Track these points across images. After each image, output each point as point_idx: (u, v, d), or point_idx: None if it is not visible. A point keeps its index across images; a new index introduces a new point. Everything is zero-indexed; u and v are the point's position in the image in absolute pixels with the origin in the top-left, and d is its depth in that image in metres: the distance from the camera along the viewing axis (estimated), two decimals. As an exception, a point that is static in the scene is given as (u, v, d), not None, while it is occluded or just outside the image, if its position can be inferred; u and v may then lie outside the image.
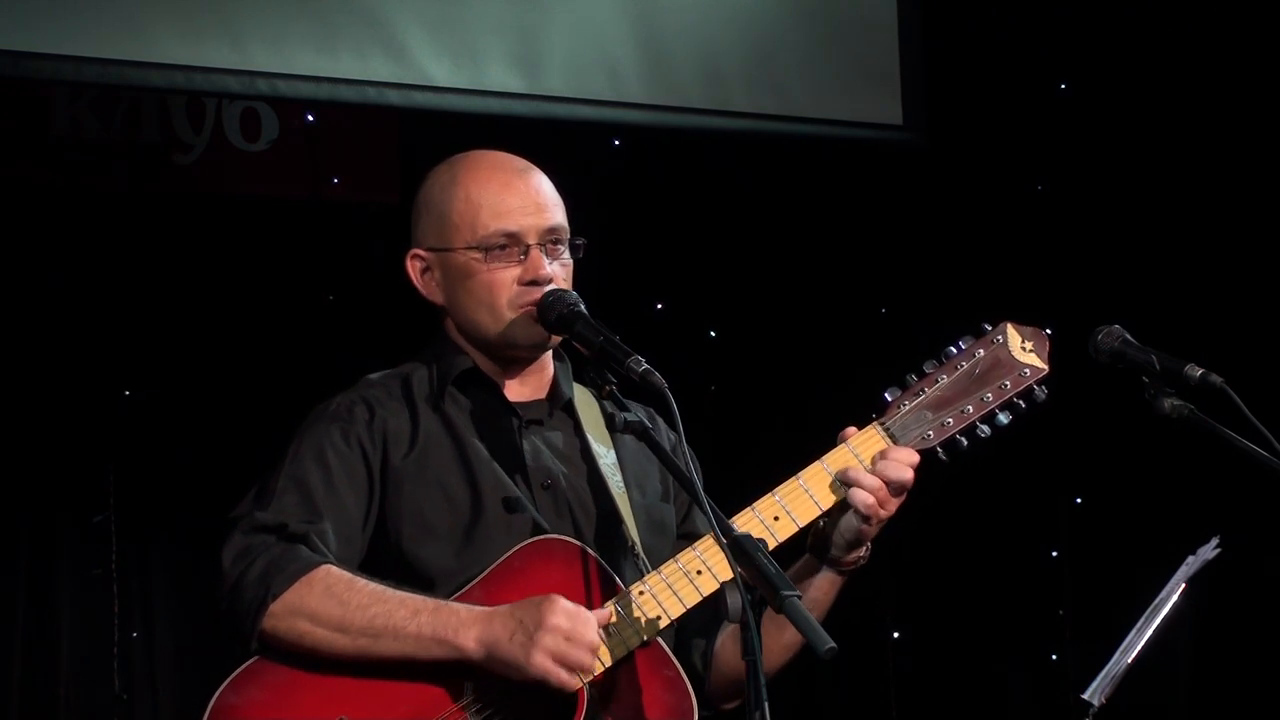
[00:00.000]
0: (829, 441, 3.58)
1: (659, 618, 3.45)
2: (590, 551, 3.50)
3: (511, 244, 3.61)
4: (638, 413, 3.55)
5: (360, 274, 6.15)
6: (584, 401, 3.70)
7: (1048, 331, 3.70)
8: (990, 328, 3.65)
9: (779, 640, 3.48)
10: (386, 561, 3.52)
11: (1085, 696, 4.19)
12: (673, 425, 3.41)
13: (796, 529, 3.52)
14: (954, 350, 3.62)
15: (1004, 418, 3.59)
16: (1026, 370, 3.62)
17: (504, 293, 3.60)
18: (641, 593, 3.46)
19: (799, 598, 3.15)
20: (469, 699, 3.41)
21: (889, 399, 3.59)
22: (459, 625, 3.38)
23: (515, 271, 3.61)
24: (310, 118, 6.55)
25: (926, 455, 3.56)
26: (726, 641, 3.66)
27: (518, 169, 3.68)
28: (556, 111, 5.98)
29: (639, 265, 6.68)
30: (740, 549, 3.22)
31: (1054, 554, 7.05)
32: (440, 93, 5.78)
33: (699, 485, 3.35)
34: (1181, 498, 6.42)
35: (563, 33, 5.95)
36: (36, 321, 6.15)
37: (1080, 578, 6.98)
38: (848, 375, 5.91)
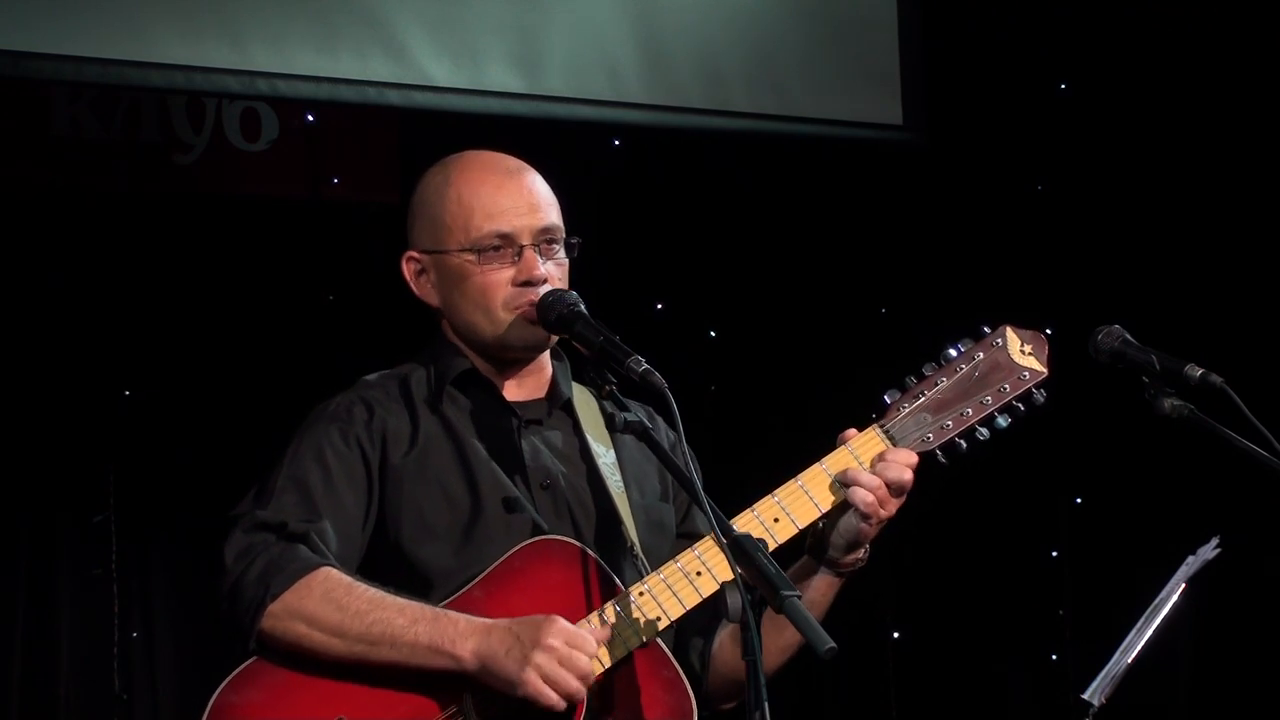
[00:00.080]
0: (829, 441, 3.58)
1: (658, 619, 3.45)
2: (589, 552, 3.49)
3: (505, 245, 3.60)
4: (637, 412, 3.55)
5: (360, 274, 6.15)
6: (583, 401, 3.70)
7: (1048, 332, 3.70)
8: (989, 330, 3.65)
9: (777, 640, 3.48)
10: (386, 561, 3.52)
11: (1085, 696, 4.19)
12: (672, 425, 3.41)
13: (796, 530, 3.52)
14: (953, 353, 3.62)
15: (1003, 421, 3.59)
16: (1026, 373, 3.62)
17: (498, 294, 3.60)
18: (641, 593, 3.46)
19: (799, 598, 3.15)
20: (468, 699, 3.41)
21: (888, 401, 3.59)
22: (456, 636, 3.38)
23: (509, 272, 3.60)
24: (310, 118, 6.55)
25: (926, 458, 3.56)
26: (725, 642, 3.66)
27: (510, 169, 3.68)
28: (556, 111, 5.98)
29: (639, 265, 6.68)
30: (740, 549, 3.22)
31: (1054, 554, 7.05)
32: (440, 93, 5.78)
33: (699, 485, 3.35)
34: (1181, 498, 6.42)
35: (563, 33, 5.95)
36: (36, 321, 6.15)
37: (1080, 578, 6.97)
38: (848, 375, 5.92)
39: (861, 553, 3.59)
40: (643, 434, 3.47)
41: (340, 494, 3.52)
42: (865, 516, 3.51)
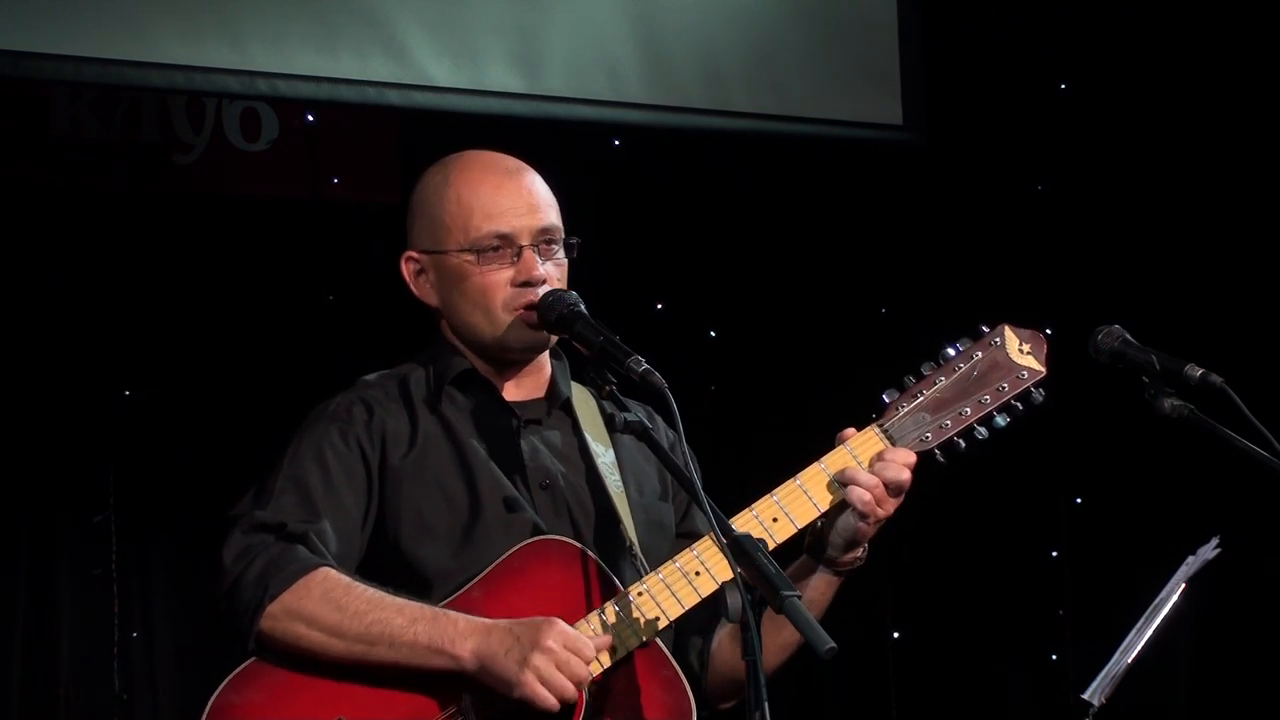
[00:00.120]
0: (828, 441, 3.59)
1: (657, 619, 3.45)
2: (588, 552, 3.49)
3: (504, 245, 3.60)
4: (636, 412, 3.55)
5: (360, 274, 6.15)
6: (581, 400, 3.70)
7: (1048, 332, 3.70)
8: (988, 330, 3.65)
9: (776, 640, 3.47)
10: (385, 562, 3.52)
11: (1085, 696, 4.18)
12: (672, 425, 3.41)
13: (795, 530, 3.52)
14: (952, 352, 3.62)
15: (1001, 420, 3.60)
16: (1024, 373, 3.62)
17: (498, 294, 3.60)
18: (640, 593, 3.46)
19: (799, 598, 3.15)
20: (467, 699, 3.41)
21: (887, 401, 3.60)
22: (456, 635, 3.38)
23: (508, 273, 3.60)
24: (310, 118, 6.55)
25: (924, 457, 3.56)
26: (724, 641, 3.66)
27: (509, 169, 3.67)
28: (556, 111, 5.98)
29: (639, 265, 6.68)
30: (740, 549, 3.22)
31: (1054, 554, 7.05)
32: (440, 93, 5.78)
33: (699, 485, 3.35)
34: (1181, 498, 6.42)
35: (563, 33, 5.95)
36: (36, 321, 6.14)
37: (1080, 578, 6.97)
38: (848, 375, 5.91)
39: (860, 552, 3.59)
40: (643, 434, 3.47)
41: (340, 494, 3.52)
42: (863, 516, 3.51)
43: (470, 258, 3.60)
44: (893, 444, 3.56)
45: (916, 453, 3.55)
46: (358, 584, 3.43)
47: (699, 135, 6.36)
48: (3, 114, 6.11)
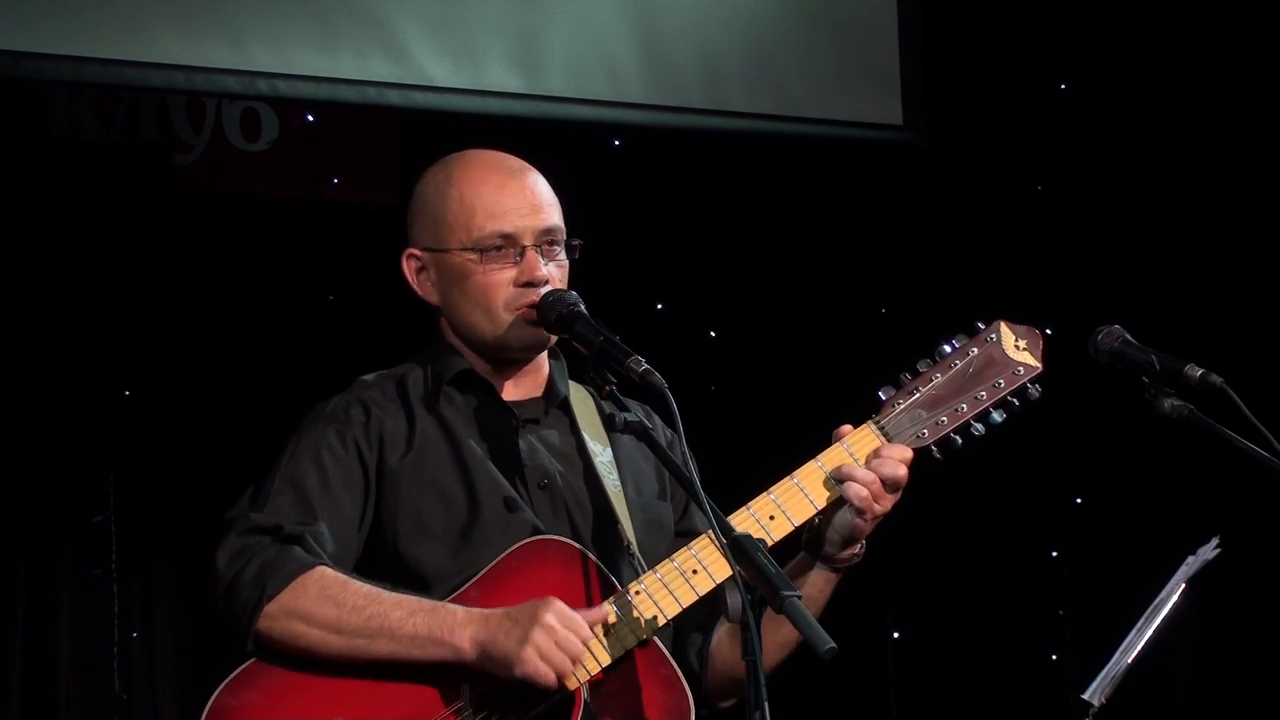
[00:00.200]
0: (828, 441, 3.59)
1: (655, 617, 3.45)
2: (586, 551, 3.50)
3: (507, 245, 3.60)
4: (636, 411, 3.55)
5: (360, 274, 6.14)
6: (579, 400, 3.70)
7: (1048, 332, 3.70)
8: (983, 326, 3.65)
9: (775, 638, 3.47)
10: (383, 562, 3.52)
11: (1085, 696, 4.18)
12: (672, 425, 3.41)
13: (792, 528, 3.52)
14: (948, 349, 3.63)
15: (998, 416, 3.60)
16: (1020, 368, 3.62)
17: (500, 294, 3.60)
18: (638, 592, 3.46)
19: (799, 598, 3.15)
20: (466, 700, 3.41)
21: (883, 398, 3.60)
22: (455, 625, 3.39)
23: (511, 273, 3.60)
24: (310, 118, 6.55)
25: (921, 454, 3.57)
26: (723, 640, 3.66)
27: (513, 169, 3.68)
28: (556, 111, 5.98)
29: (639, 265, 6.68)
30: (740, 549, 3.22)
31: (1054, 554, 7.04)
32: (440, 93, 5.78)
33: (698, 485, 3.35)
34: (1181, 498, 6.42)
35: (563, 33, 5.95)
36: (36, 321, 6.14)
37: (1080, 578, 6.97)
38: (848, 375, 5.91)
39: (858, 548, 3.59)
40: (643, 434, 3.48)
41: (336, 496, 3.52)
42: (860, 512, 3.51)
43: (473, 256, 3.61)
44: (889, 441, 3.57)
45: (913, 449, 3.55)
46: (354, 580, 3.44)
47: (699, 135, 6.36)
48: (3, 114, 6.11)
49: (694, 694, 3.48)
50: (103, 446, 6.23)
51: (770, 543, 3.45)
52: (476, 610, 3.40)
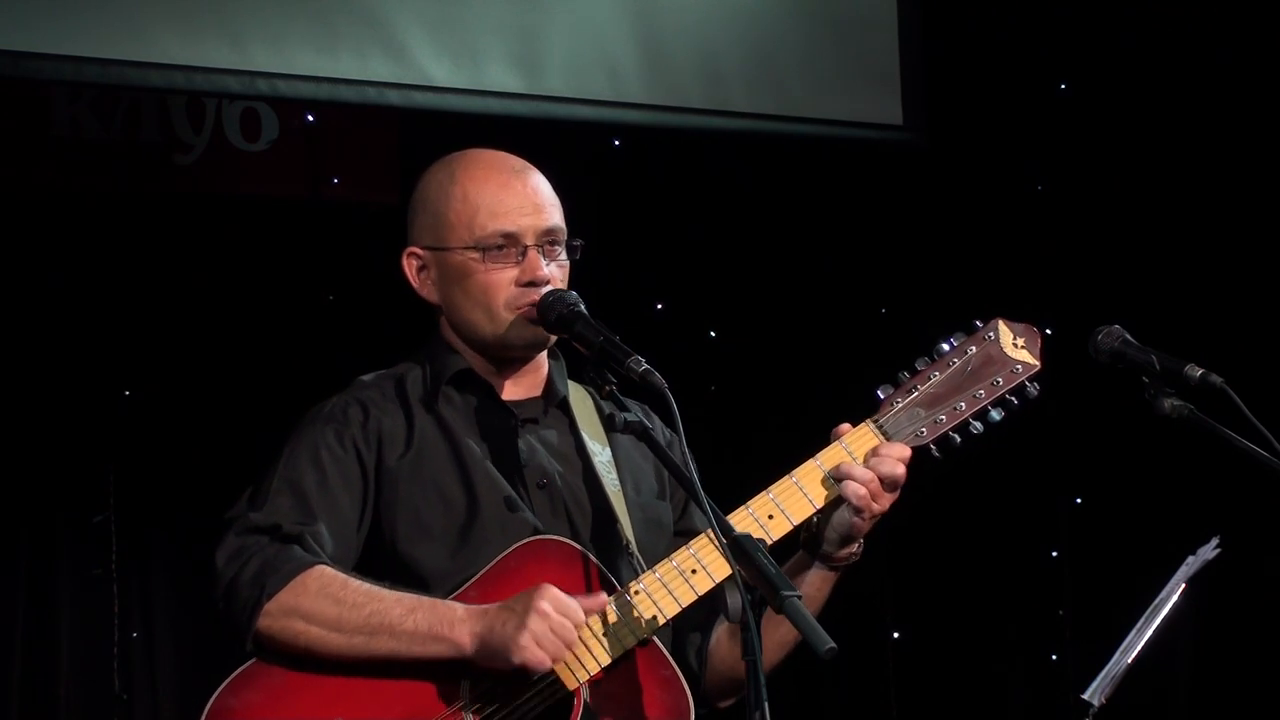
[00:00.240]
0: (828, 441, 3.59)
1: (655, 617, 3.45)
2: (585, 551, 3.50)
3: (509, 244, 3.61)
4: (635, 411, 3.55)
5: (360, 274, 6.14)
6: (578, 399, 3.71)
7: (1047, 332, 3.70)
8: (982, 324, 3.65)
9: (773, 637, 3.46)
10: (382, 562, 3.52)
11: (1085, 696, 4.18)
12: (672, 425, 3.41)
13: (791, 527, 3.52)
14: (946, 347, 3.62)
15: (996, 414, 3.60)
16: (1019, 366, 3.62)
17: (501, 293, 3.60)
18: (637, 592, 3.46)
19: (799, 598, 3.15)
20: (465, 699, 3.41)
21: (881, 396, 3.60)
22: (454, 621, 3.39)
23: (512, 272, 3.60)
24: (310, 118, 6.55)
25: (919, 452, 3.56)
26: (722, 639, 3.66)
27: (515, 169, 3.68)
28: (556, 111, 5.98)
29: (639, 265, 6.68)
30: (740, 548, 3.22)
31: (1054, 554, 7.04)
32: (440, 93, 5.78)
33: (698, 484, 3.35)
34: (1181, 498, 6.42)
35: (563, 33, 5.95)
36: (36, 321, 6.14)
37: (1080, 578, 6.97)
38: (848, 375, 5.91)
39: (856, 548, 3.59)
40: (643, 434, 3.48)
41: (335, 496, 3.52)
42: (858, 511, 3.51)
43: (474, 255, 3.61)
44: (887, 439, 3.57)
45: (911, 448, 3.55)
46: (354, 579, 3.44)
47: (699, 135, 6.36)
48: (3, 114, 6.11)
49: (693, 693, 3.48)
50: (103, 446, 6.23)
51: (769, 542, 3.45)
52: (475, 606, 3.40)
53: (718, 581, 3.45)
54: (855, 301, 7.08)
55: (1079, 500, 7.00)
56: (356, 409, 3.59)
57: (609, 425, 3.61)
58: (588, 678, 3.42)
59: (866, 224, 7.01)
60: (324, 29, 5.61)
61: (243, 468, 3.71)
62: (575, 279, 3.67)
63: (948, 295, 6.76)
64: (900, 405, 3.58)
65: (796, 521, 3.53)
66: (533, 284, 3.59)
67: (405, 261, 3.68)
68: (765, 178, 6.89)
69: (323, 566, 3.43)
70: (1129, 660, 4.19)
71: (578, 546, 3.50)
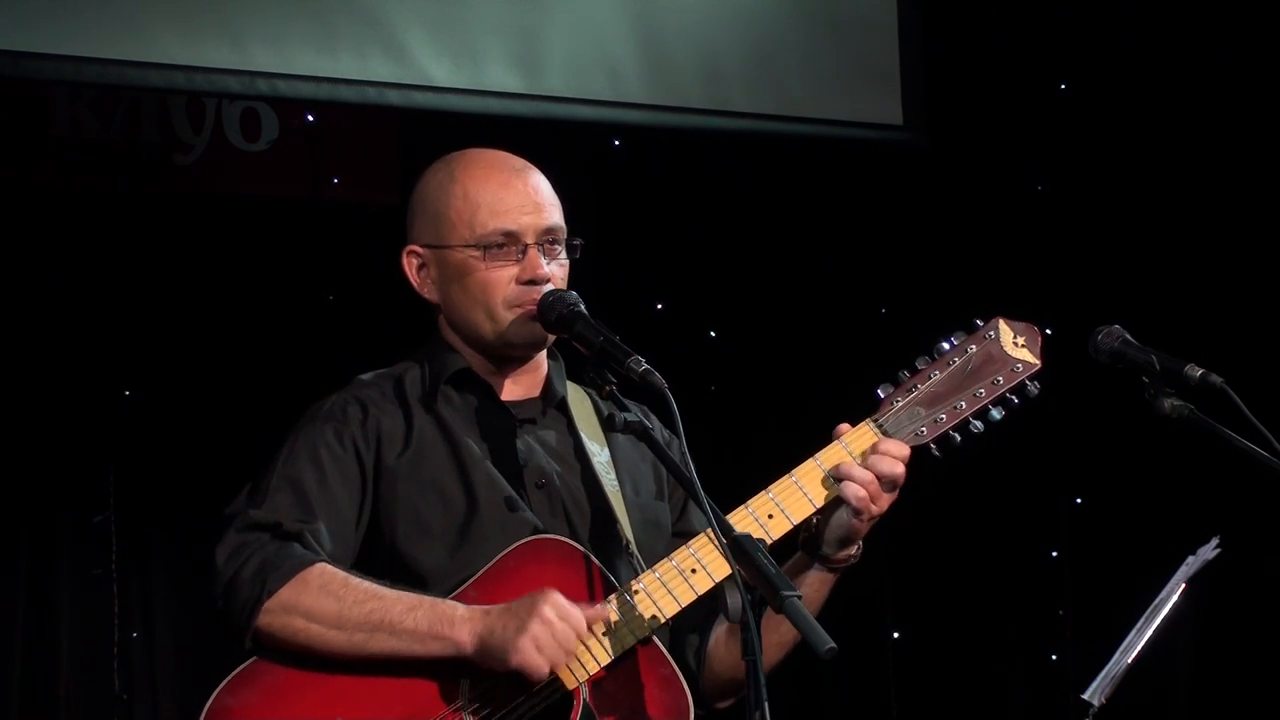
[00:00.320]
0: (828, 441, 3.58)
1: (654, 616, 3.45)
2: (585, 551, 3.50)
3: (509, 243, 3.61)
4: (635, 411, 3.55)
5: (360, 274, 6.15)
6: (577, 399, 3.71)
7: (1048, 331, 3.70)
8: (982, 323, 3.64)
9: (773, 638, 3.45)
10: (380, 561, 3.52)
11: (1085, 696, 4.18)
12: (672, 425, 3.41)
13: (791, 526, 3.52)
14: (946, 346, 3.62)
15: (997, 413, 3.59)
16: (1019, 365, 3.62)
17: (501, 292, 3.60)
18: (636, 591, 3.46)
19: (799, 598, 3.15)
20: (465, 699, 3.41)
21: (882, 395, 3.59)
22: (455, 620, 3.39)
23: (512, 271, 3.60)
24: (310, 118, 6.55)
25: (920, 451, 3.56)
26: (721, 639, 3.66)
27: (516, 168, 3.68)
28: (556, 111, 5.98)
29: (639, 265, 6.68)
30: (740, 548, 3.22)
31: (1054, 554, 7.04)
32: (440, 93, 5.78)
33: (698, 484, 3.35)
34: (1181, 498, 6.42)
35: (563, 33, 5.95)
36: (36, 321, 6.14)
37: (1080, 578, 6.97)
38: (848, 375, 5.91)
39: (854, 549, 3.58)
40: (643, 434, 3.47)
41: (334, 494, 3.52)
42: (857, 512, 3.51)
43: (475, 253, 3.61)
44: (887, 439, 3.56)
45: (912, 447, 3.55)
46: (354, 577, 3.44)
47: (699, 135, 6.36)
48: (3, 114, 6.11)
49: (691, 693, 3.47)
50: (103, 446, 6.23)
51: (769, 542, 3.45)
52: (476, 607, 3.40)
53: (717, 581, 3.44)
54: (855, 301, 7.08)
55: (1079, 500, 7.00)
56: (356, 408, 3.59)
57: (607, 426, 3.61)
58: (588, 677, 3.42)
59: (866, 224, 7.01)
60: (324, 29, 5.61)
61: (243, 468, 3.70)
62: (575, 279, 3.67)
63: (948, 295, 6.76)
64: (900, 404, 3.58)
65: (796, 521, 3.52)
66: (533, 282, 3.59)
67: (405, 260, 3.68)
68: (765, 178, 6.89)
69: (323, 564, 3.43)
70: (1129, 660, 4.19)
71: (578, 546, 3.50)
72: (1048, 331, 3.70)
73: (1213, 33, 6.61)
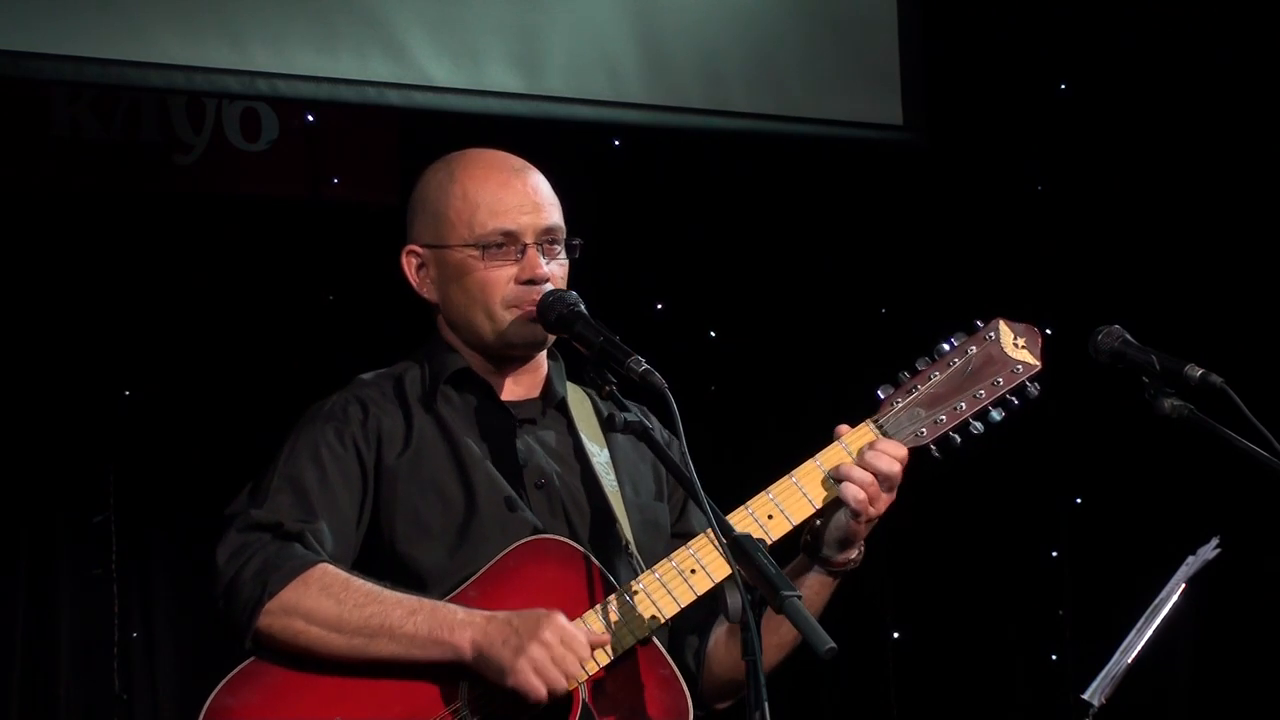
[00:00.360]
0: (828, 441, 3.58)
1: (653, 617, 3.45)
2: (584, 551, 3.50)
3: (509, 243, 3.61)
4: (634, 411, 3.54)
5: (360, 274, 6.14)
6: (577, 400, 3.71)
7: (1048, 332, 3.70)
8: (982, 324, 3.64)
9: (772, 638, 3.45)
10: (380, 561, 3.52)
11: (1085, 696, 4.18)
12: (671, 425, 3.41)
13: (790, 527, 3.52)
14: (946, 347, 3.62)
15: (997, 414, 3.59)
16: (1019, 366, 3.62)
17: (500, 291, 3.60)
18: (636, 591, 3.46)
19: (799, 598, 3.15)
20: (464, 700, 3.41)
21: (882, 396, 3.59)
22: (455, 625, 3.38)
23: (512, 270, 3.61)
24: (310, 118, 6.55)
25: (920, 452, 3.56)
26: (720, 640, 3.66)
27: (515, 168, 3.68)
28: (556, 111, 5.98)
29: (639, 265, 6.68)
30: (740, 549, 3.22)
31: (1054, 554, 7.04)
32: (440, 93, 5.78)
33: (698, 484, 3.35)
34: (1181, 498, 6.42)
35: (563, 33, 5.95)
36: (36, 321, 6.14)
37: (1080, 578, 6.97)
38: (848, 375, 5.92)
39: (855, 553, 3.58)
40: (643, 434, 3.47)
41: (335, 494, 3.52)
42: (856, 514, 3.50)
43: (474, 253, 3.61)
44: (886, 439, 3.56)
45: (912, 448, 3.55)
46: (355, 578, 3.43)
47: (699, 135, 6.36)
48: (3, 114, 6.11)
49: (690, 694, 3.47)
50: (103, 446, 6.23)
51: (769, 542, 3.45)
52: (478, 611, 3.40)
53: (717, 581, 3.44)
54: (855, 301, 7.08)
55: (1079, 500, 7.00)
56: (356, 407, 3.59)
57: (607, 426, 3.61)
58: (587, 677, 3.41)
59: (866, 224, 7.01)
60: (324, 29, 5.61)
61: (243, 468, 3.70)
62: (575, 279, 3.67)
63: (948, 295, 6.76)
64: (900, 405, 3.58)
65: (796, 522, 3.52)
66: (532, 282, 3.59)
67: (404, 260, 3.68)
68: (765, 178, 6.89)
69: (325, 565, 3.43)
70: (1129, 660, 4.19)
71: (578, 546, 3.50)
72: (1048, 332, 3.70)
73: (1213, 33, 6.61)
